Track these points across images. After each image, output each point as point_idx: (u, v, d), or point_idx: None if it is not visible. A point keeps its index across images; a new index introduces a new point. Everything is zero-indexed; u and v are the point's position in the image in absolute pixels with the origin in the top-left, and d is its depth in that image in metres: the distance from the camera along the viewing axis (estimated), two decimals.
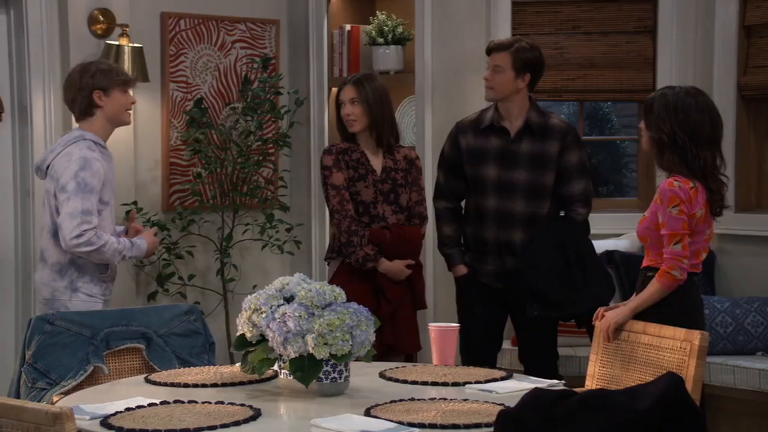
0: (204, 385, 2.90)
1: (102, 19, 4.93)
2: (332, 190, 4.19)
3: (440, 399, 2.74)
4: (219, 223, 5.23)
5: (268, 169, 5.41)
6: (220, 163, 5.15)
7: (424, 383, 2.95)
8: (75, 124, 4.02)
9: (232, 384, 2.93)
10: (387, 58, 5.34)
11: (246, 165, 5.15)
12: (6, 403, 2.18)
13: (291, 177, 5.53)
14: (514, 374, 3.11)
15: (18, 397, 3.14)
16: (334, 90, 5.33)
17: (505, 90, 4.11)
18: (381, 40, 5.35)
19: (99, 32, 4.92)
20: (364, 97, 4.18)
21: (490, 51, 4.16)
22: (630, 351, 3.24)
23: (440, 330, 3.21)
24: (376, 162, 4.27)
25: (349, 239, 4.15)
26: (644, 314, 3.33)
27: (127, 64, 4.83)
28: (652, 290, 3.35)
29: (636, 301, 3.38)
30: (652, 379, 2.32)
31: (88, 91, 3.86)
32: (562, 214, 4.19)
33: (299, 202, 5.54)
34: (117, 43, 4.86)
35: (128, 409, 2.59)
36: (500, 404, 2.63)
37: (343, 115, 4.21)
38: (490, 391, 2.85)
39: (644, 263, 3.47)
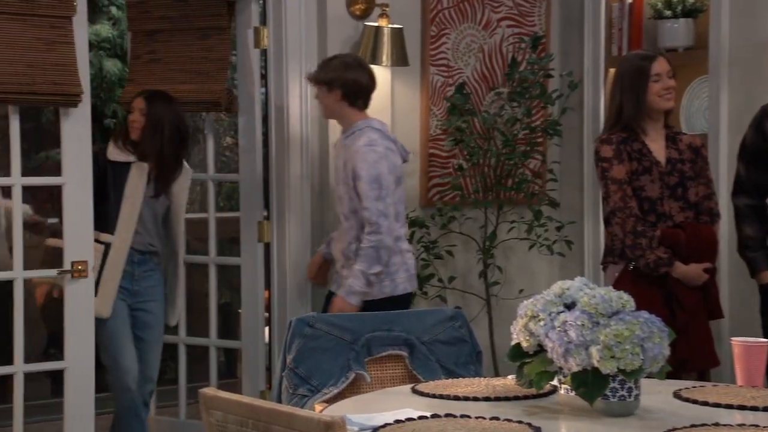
0: (476, 399, 2.90)
1: None
2: (613, 185, 4.11)
3: (750, 426, 2.61)
4: (481, 221, 5.24)
5: (536, 161, 5.37)
6: (483, 154, 5.16)
7: (729, 406, 2.82)
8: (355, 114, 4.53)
9: (507, 398, 2.91)
10: (675, 33, 5.18)
11: (512, 156, 5.13)
12: (277, 410, 2.27)
13: (561, 169, 5.47)
14: None
15: (280, 402, 3.26)
16: (611, 71, 5.24)
17: None
18: (668, 12, 5.19)
19: (357, 13, 5.04)
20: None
21: None
22: None
23: (746, 346, 3.06)
24: (659, 152, 4.16)
25: (635, 241, 4.06)
26: None
27: (386, 47, 4.93)
28: None
29: None
30: None
31: None
32: None
33: (570, 197, 5.46)
34: (376, 24, 4.97)
35: (398, 422, 2.62)
36: None
37: (659, 89, 4.13)
38: None
39: None
